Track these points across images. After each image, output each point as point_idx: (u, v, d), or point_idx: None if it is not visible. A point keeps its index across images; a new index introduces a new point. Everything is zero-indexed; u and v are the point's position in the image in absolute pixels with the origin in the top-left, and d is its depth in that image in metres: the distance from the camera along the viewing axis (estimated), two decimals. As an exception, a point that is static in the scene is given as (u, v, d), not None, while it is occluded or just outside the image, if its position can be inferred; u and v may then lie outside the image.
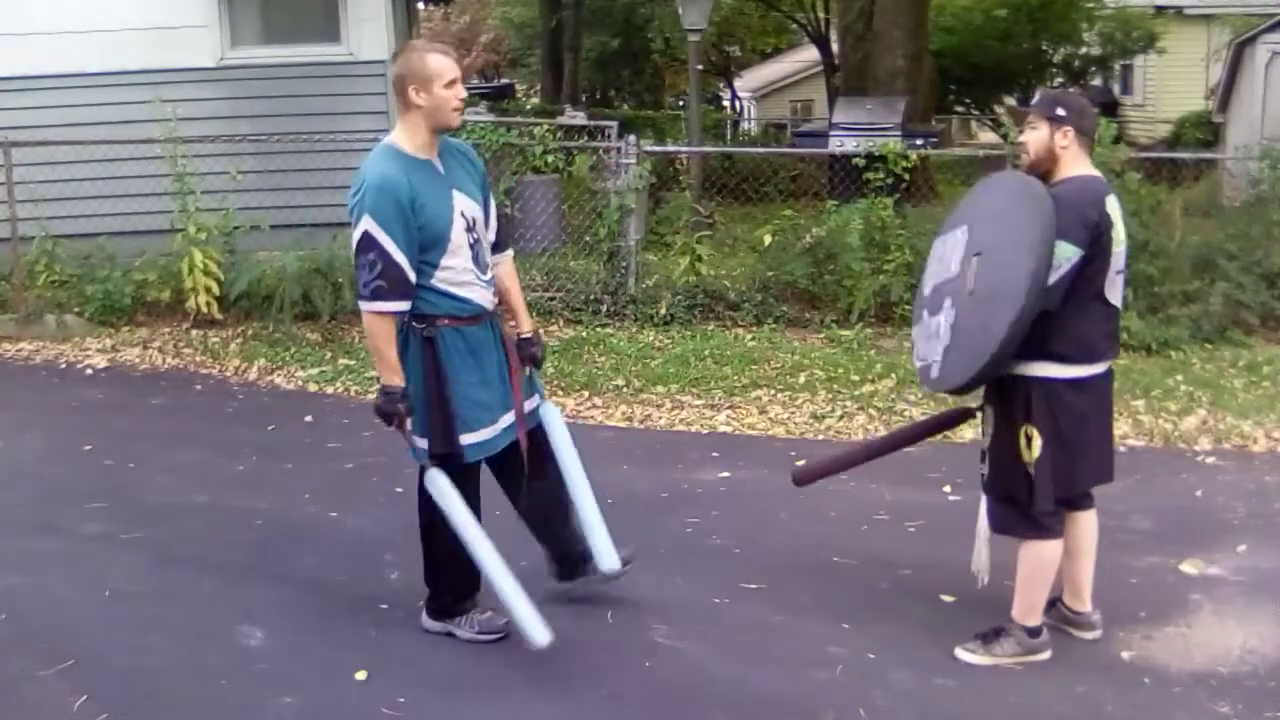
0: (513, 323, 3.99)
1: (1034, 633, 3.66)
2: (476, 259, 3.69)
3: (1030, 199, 3.42)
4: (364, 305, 3.57)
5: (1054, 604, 3.80)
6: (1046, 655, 3.67)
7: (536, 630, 3.57)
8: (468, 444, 3.69)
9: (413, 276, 3.54)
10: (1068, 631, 3.81)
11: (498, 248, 3.88)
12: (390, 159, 3.57)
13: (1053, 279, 3.35)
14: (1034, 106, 3.68)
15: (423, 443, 3.70)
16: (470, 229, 3.67)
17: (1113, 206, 3.50)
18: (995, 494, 3.67)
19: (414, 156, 3.59)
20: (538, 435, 3.91)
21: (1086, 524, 3.76)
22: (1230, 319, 7.75)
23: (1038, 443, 3.48)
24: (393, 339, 3.59)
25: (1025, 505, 3.54)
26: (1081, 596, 3.80)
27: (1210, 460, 5.80)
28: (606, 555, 3.85)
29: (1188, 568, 4.41)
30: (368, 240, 3.49)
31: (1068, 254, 3.37)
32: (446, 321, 3.64)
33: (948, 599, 4.18)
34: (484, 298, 3.73)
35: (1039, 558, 3.59)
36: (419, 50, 3.62)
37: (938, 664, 3.68)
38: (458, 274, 3.64)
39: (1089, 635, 3.79)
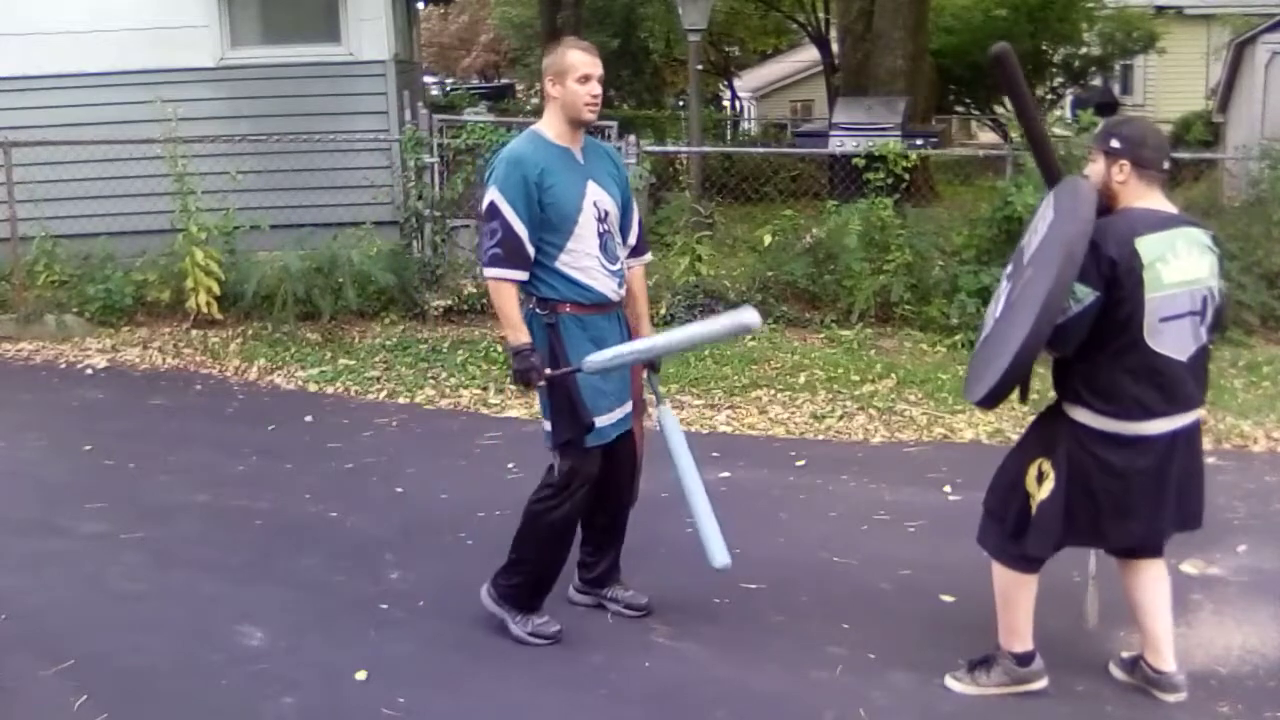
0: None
1: (1023, 660, 3.49)
2: (605, 248, 3.76)
3: (1064, 244, 3.08)
4: (485, 271, 3.74)
5: (1135, 663, 3.56)
6: (1040, 685, 3.50)
7: (719, 551, 3.65)
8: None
9: (530, 250, 3.67)
10: (1151, 694, 3.49)
11: (636, 252, 3.98)
12: (529, 140, 3.77)
13: (1061, 319, 3.08)
14: (1094, 138, 3.40)
15: (548, 426, 3.78)
16: (602, 220, 3.76)
17: (1152, 245, 3.14)
18: (986, 505, 3.53)
19: (554, 142, 3.75)
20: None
21: (1149, 575, 3.47)
22: (1230, 319, 7.76)
23: (1049, 483, 3.27)
24: (514, 300, 3.70)
25: (1011, 533, 3.38)
26: (1162, 654, 3.47)
27: (1210, 460, 5.75)
28: (718, 551, 3.82)
29: (1188, 568, 4.41)
30: (492, 209, 3.67)
31: (1079, 295, 3.09)
32: (568, 308, 3.72)
33: (948, 599, 4.18)
34: (607, 287, 3.77)
35: (1004, 582, 3.46)
36: (563, 45, 3.80)
37: (938, 664, 3.67)
38: (580, 259, 3.71)
39: (1172, 698, 3.46)
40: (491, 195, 3.67)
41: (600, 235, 3.75)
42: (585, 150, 3.81)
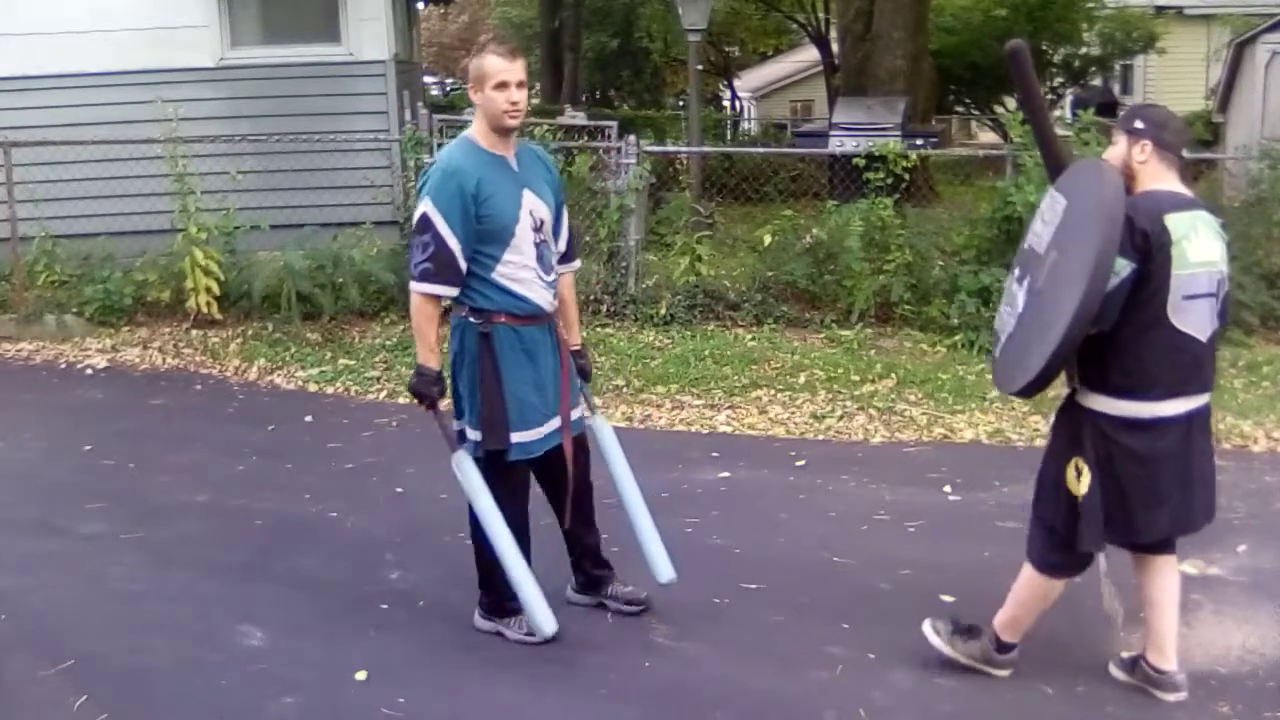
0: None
1: (1003, 648, 3.56)
2: (541, 258, 3.69)
3: (1103, 209, 3.11)
4: (411, 285, 3.62)
5: (1136, 663, 3.56)
6: (1004, 674, 3.58)
7: (545, 619, 3.68)
8: (514, 442, 3.70)
9: (463, 264, 3.58)
10: (1151, 694, 3.49)
11: (565, 259, 3.90)
12: (464, 149, 3.65)
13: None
14: (1117, 120, 3.48)
15: (475, 435, 3.73)
16: (537, 229, 3.69)
17: (1179, 222, 3.18)
18: (1035, 517, 3.52)
19: (487, 150, 3.64)
20: (576, 444, 3.91)
21: (1162, 571, 3.51)
22: (1230, 319, 7.75)
23: (1087, 476, 3.28)
24: (435, 320, 3.64)
25: (1063, 538, 3.38)
26: (1165, 652, 3.48)
27: (1210, 460, 5.80)
28: (662, 566, 3.95)
29: (1188, 568, 4.40)
30: (424, 222, 3.55)
31: (1116, 268, 3.11)
32: (503, 319, 3.65)
33: (948, 599, 4.17)
34: (543, 298, 3.71)
35: (1034, 587, 3.49)
36: (483, 49, 3.64)
37: (938, 664, 3.67)
38: (518, 270, 3.64)
39: (1172, 698, 3.47)
40: (424, 207, 3.55)
41: (536, 245, 3.67)
42: (519, 156, 3.72)
